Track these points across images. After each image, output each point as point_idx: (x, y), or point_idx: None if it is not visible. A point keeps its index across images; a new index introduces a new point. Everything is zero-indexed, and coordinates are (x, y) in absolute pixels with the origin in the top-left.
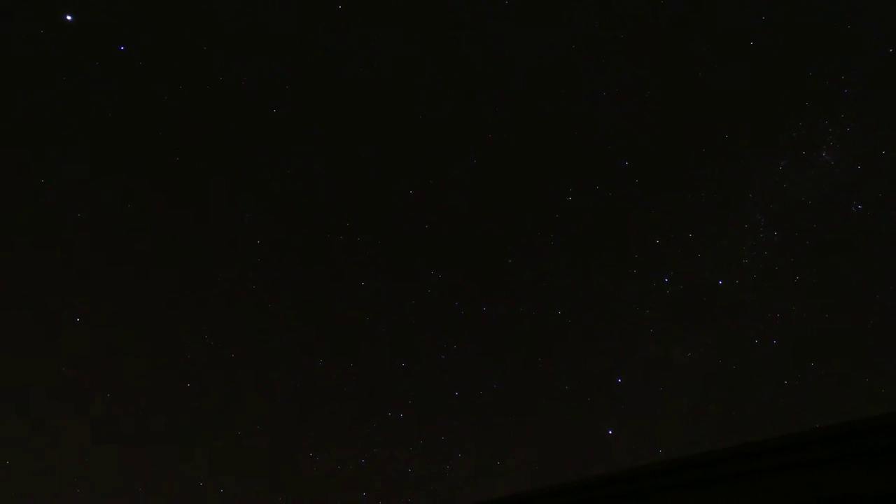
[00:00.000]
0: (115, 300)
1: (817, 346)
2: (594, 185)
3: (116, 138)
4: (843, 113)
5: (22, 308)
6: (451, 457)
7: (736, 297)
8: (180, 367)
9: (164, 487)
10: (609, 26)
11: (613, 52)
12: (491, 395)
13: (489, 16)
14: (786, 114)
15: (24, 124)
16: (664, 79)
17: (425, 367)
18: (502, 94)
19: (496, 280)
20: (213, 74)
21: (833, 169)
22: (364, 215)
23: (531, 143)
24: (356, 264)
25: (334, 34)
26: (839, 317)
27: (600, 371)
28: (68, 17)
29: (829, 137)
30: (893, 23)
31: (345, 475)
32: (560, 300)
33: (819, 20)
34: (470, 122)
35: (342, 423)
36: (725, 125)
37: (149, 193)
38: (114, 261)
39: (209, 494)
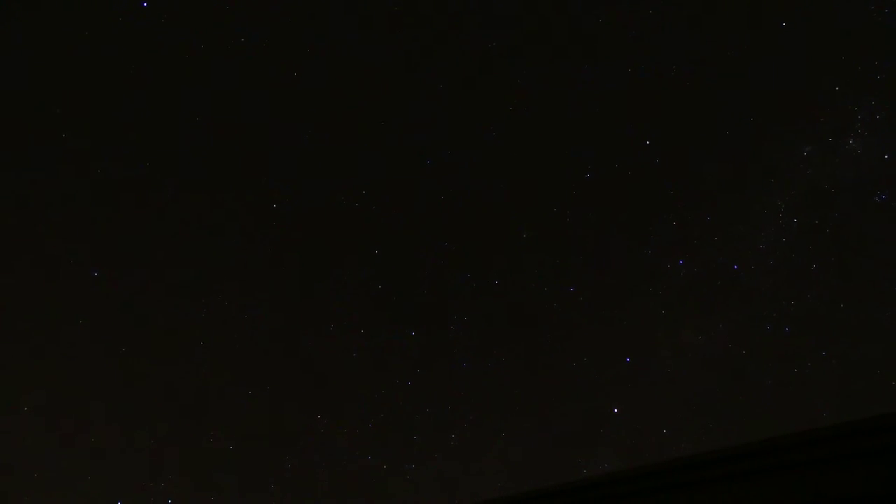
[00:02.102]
0: (129, 260)
1: (830, 336)
2: (614, 164)
3: (135, 94)
4: (875, 100)
5: (35, 258)
6: (456, 427)
7: (750, 283)
8: (194, 325)
9: (172, 441)
10: (635, 2)
11: (639, 28)
12: (499, 367)
13: None
14: (814, 98)
15: (43, 78)
16: (691, 57)
17: (435, 337)
18: (524, 67)
19: (509, 254)
20: (235, 34)
21: (859, 157)
22: (380, 184)
23: (552, 119)
24: (370, 232)
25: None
26: (854, 308)
27: (609, 350)
28: None
29: (857, 124)
30: None
31: (350, 439)
32: (572, 277)
33: (853, 3)
34: (491, 94)
35: (350, 388)
36: (751, 108)
37: (166, 150)
38: (127, 219)
39: (218, 450)
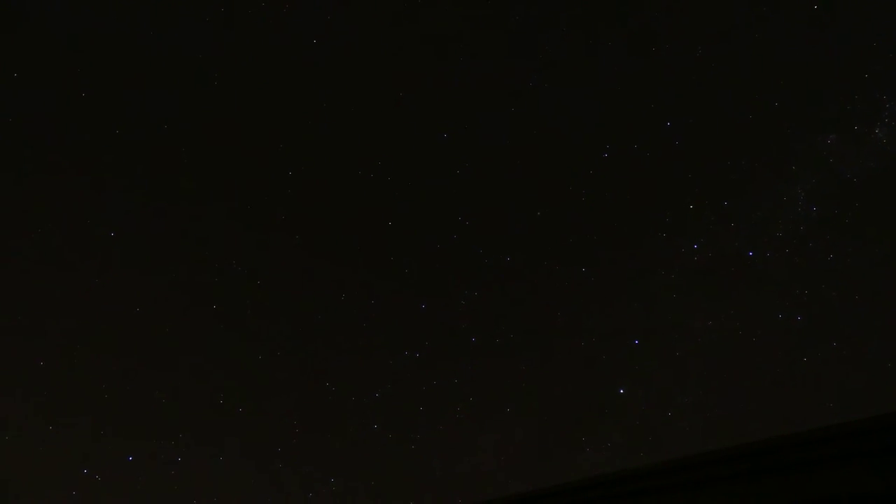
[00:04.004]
0: (145, 224)
1: (843, 327)
2: (632, 144)
3: (148, 62)
4: None
5: (54, 217)
6: (462, 399)
7: (765, 270)
8: (208, 290)
9: (183, 402)
10: None
11: (665, 7)
12: (507, 343)
13: None
14: (842, 85)
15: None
16: (717, 38)
17: (445, 310)
18: (544, 43)
19: (523, 231)
20: (256, 2)
21: (885, 147)
22: (396, 155)
23: (571, 96)
24: (385, 204)
25: None
26: (869, 300)
27: (618, 330)
28: None
29: (885, 114)
30: None
31: (358, 407)
32: (585, 257)
33: None
34: (510, 70)
35: (359, 357)
36: (776, 92)
37: (181, 118)
38: (144, 185)
39: (227, 412)
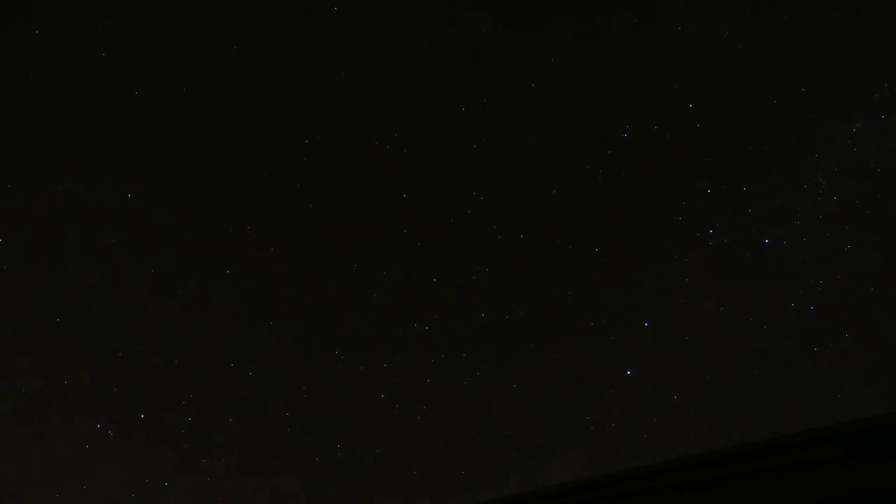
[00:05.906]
0: (163, 192)
1: (856, 319)
2: (652, 126)
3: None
4: None
5: (72, 187)
6: (469, 374)
7: (780, 258)
8: (222, 254)
9: (194, 365)
10: None
11: None
12: (516, 321)
13: None
14: (871, 71)
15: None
16: (744, 20)
17: (455, 285)
18: (565, 21)
19: (537, 209)
20: None
21: None
22: (412, 128)
23: (590, 77)
24: (400, 176)
25: None
26: (884, 293)
27: (628, 312)
28: None
29: None
30: None
31: (366, 377)
32: (599, 237)
33: None
34: (530, 48)
35: (368, 327)
36: (803, 77)
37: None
38: (162, 159)
39: (237, 376)
